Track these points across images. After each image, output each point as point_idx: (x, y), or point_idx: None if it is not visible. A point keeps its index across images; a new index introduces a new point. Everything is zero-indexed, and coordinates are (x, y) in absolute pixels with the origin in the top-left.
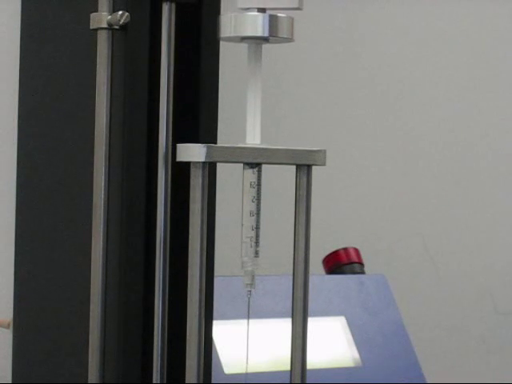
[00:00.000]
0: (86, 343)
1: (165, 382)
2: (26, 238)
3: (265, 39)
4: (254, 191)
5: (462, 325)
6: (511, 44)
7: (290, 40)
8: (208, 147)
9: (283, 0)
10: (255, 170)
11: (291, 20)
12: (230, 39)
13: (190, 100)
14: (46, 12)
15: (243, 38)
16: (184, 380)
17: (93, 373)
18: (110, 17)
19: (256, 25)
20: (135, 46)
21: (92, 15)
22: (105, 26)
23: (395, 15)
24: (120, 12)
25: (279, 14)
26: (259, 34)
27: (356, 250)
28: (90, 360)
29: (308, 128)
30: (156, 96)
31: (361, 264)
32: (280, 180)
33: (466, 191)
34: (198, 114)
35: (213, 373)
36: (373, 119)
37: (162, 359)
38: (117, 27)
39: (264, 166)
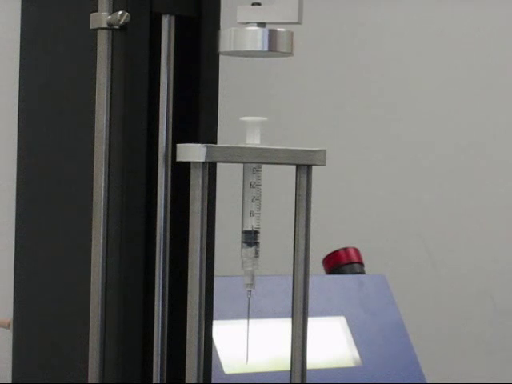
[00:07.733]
0: (86, 343)
1: (165, 382)
2: (25, 237)
3: (264, 54)
4: (253, 191)
5: (462, 325)
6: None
7: (289, 54)
8: (208, 147)
9: (283, 14)
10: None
11: (291, 34)
12: (229, 53)
13: (190, 100)
14: (46, 12)
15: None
16: (184, 380)
17: (93, 373)
18: (109, 17)
19: (255, 39)
20: (135, 46)
21: (92, 15)
22: (105, 26)
23: (396, 16)
24: (120, 12)
25: (279, 29)
26: (259, 48)
27: (356, 250)
28: (90, 360)
29: (308, 128)
30: (156, 96)
31: (361, 264)
32: (280, 180)
33: (466, 191)
34: (197, 114)
35: (213, 373)
36: (373, 119)
37: (161, 359)
38: (117, 27)
39: (264, 166)
